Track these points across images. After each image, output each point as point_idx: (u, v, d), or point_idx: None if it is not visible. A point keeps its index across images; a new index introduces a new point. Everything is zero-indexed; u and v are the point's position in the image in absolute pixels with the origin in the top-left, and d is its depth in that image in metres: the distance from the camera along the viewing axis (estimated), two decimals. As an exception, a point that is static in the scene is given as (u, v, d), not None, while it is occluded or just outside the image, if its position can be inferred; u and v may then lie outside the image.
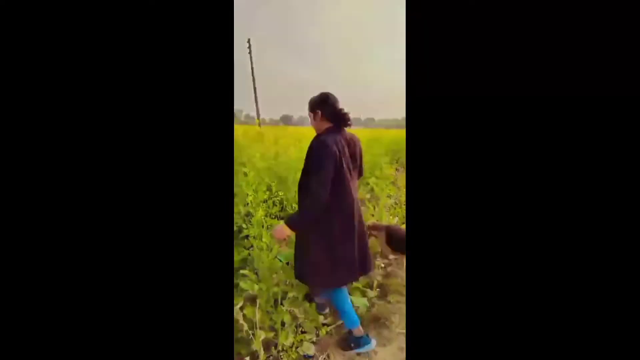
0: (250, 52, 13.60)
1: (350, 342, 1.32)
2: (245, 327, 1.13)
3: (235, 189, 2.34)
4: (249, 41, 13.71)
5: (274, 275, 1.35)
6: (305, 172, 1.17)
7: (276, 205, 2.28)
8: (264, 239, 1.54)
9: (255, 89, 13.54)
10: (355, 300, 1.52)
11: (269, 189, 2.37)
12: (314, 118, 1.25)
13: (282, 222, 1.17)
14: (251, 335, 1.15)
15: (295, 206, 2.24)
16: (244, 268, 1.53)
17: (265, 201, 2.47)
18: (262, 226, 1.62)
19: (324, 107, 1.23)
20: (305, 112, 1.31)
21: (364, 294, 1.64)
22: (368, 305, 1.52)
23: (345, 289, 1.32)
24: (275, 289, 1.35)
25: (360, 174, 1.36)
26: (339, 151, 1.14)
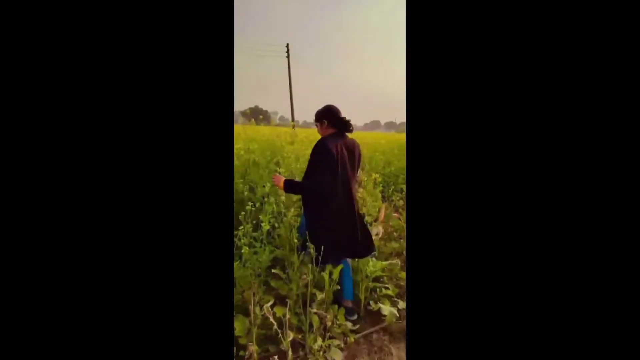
0: (288, 56, 13.96)
1: (341, 304, 1.50)
2: (275, 325, 1.14)
3: (269, 189, 2.39)
4: (287, 46, 14.09)
5: (304, 276, 1.35)
6: (309, 165, 1.43)
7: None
8: (295, 240, 1.55)
9: (291, 91, 13.84)
10: (384, 308, 1.47)
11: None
12: (321, 126, 1.51)
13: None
14: (280, 335, 1.16)
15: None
16: (274, 267, 1.55)
17: (296, 201, 2.49)
18: (293, 226, 1.64)
19: (329, 117, 1.48)
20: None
21: (394, 304, 1.58)
22: (397, 315, 1.46)
23: (347, 264, 1.51)
24: (304, 290, 1.35)
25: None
26: (338, 152, 1.39)
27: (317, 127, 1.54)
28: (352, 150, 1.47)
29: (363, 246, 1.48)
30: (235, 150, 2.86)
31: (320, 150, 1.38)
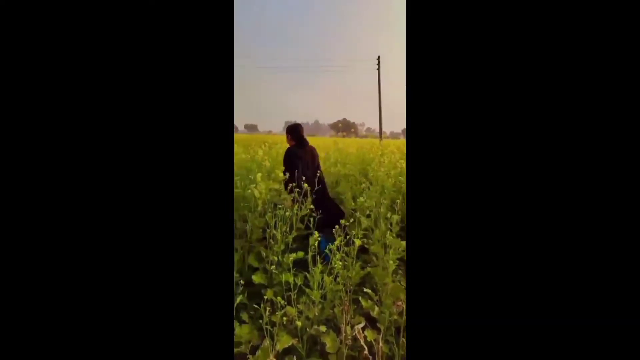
0: (379, 69, 13.98)
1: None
2: (366, 350, 1.08)
3: (360, 203, 2.36)
4: (378, 58, 14.13)
5: (399, 303, 1.25)
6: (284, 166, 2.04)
7: (398, 224, 2.15)
8: (386, 257, 1.46)
9: (380, 104, 13.75)
10: None
11: (393, 204, 2.27)
12: (288, 138, 2.23)
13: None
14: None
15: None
16: (365, 285, 1.49)
17: (387, 217, 2.38)
18: (384, 244, 1.55)
19: (293, 132, 2.21)
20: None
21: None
22: None
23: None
24: (396, 317, 1.24)
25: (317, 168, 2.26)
26: (300, 157, 2.10)
27: (286, 138, 2.24)
28: (312, 157, 2.21)
29: (336, 215, 1.98)
30: (326, 165, 2.97)
31: (288, 156, 2.10)
